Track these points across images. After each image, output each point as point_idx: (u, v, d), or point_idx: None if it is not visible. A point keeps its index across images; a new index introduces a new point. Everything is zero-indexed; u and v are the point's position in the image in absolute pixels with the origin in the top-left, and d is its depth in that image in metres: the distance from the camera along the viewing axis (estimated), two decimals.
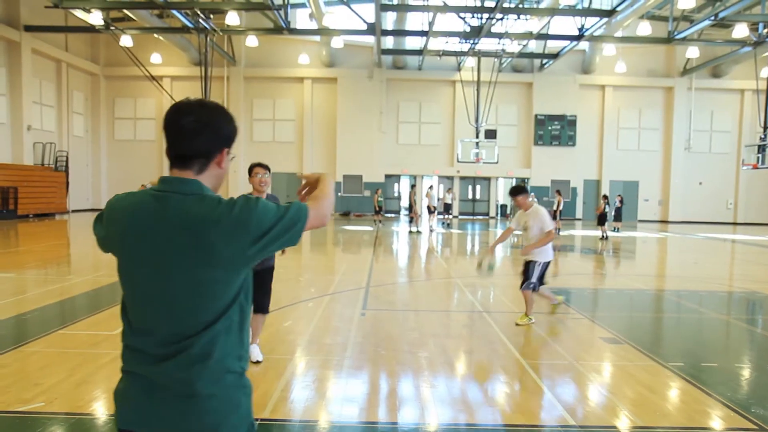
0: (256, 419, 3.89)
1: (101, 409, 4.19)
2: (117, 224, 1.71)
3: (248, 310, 1.75)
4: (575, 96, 31.27)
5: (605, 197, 21.71)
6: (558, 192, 22.95)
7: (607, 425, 4.06)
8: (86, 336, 6.21)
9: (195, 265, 1.60)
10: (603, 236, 20.16)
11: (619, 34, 24.97)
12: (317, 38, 28.59)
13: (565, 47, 27.51)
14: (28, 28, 24.84)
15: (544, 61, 30.12)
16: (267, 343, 5.84)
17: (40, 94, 26.70)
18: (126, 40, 25.58)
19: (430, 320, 7.39)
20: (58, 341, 5.99)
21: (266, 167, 5.24)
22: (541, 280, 7.00)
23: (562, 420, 4.13)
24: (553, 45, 28.80)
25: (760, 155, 22.26)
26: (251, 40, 27.20)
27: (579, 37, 24.76)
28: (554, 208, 22.23)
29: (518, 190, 6.93)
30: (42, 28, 25.07)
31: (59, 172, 27.30)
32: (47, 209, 25.86)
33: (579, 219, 31.68)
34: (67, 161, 28.00)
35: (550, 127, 31.35)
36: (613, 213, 23.12)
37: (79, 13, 23.71)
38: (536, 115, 31.31)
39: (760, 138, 22.60)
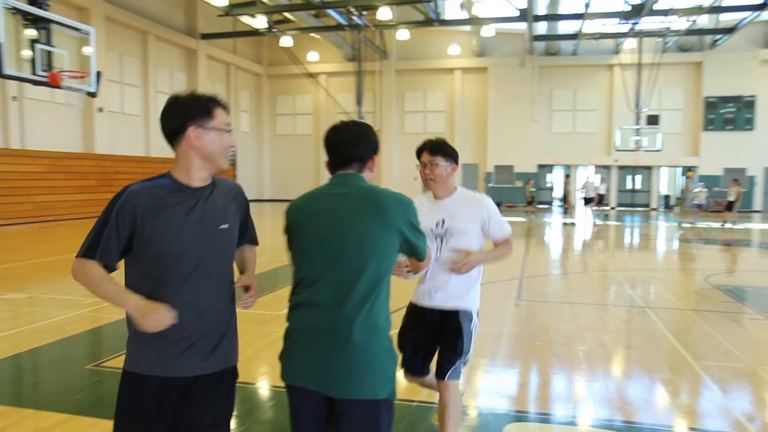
0: (413, 400, 4.02)
1: (270, 381, 4.54)
2: (299, 210, 2.18)
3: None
4: (754, 74, 28.14)
5: None
6: (735, 181, 20.87)
7: None
8: (256, 315, 6.74)
9: (366, 228, 2.02)
10: None
11: None
12: (467, 28, 28.42)
13: (743, 19, 24.76)
14: (204, 36, 27.22)
15: (717, 37, 27.42)
16: None
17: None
18: (286, 41, 27.16)
19: (587, 313, 7.11)
20: None
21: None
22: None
23: (737, 426, 3.80)
24: (727, 18, 26.10)
25: None
26: (402, 34, 27.68)
27: (762, 6, 22.20)
28: (731, 199, 20.28)
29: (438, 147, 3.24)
30: (215, 35, 27.36)
31: (229, 165, 29.70)
32: None
33: (758, 211, 28.61)
34: (235, 156, 30.38)
35: (722, 110, 28.54)
36: None
37: (245, 19, 25.61)
38: (706, 98, 28.68)
39: None
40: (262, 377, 4.68)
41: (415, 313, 3.27)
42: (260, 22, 25.30)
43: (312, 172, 32.99)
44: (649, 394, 4.43)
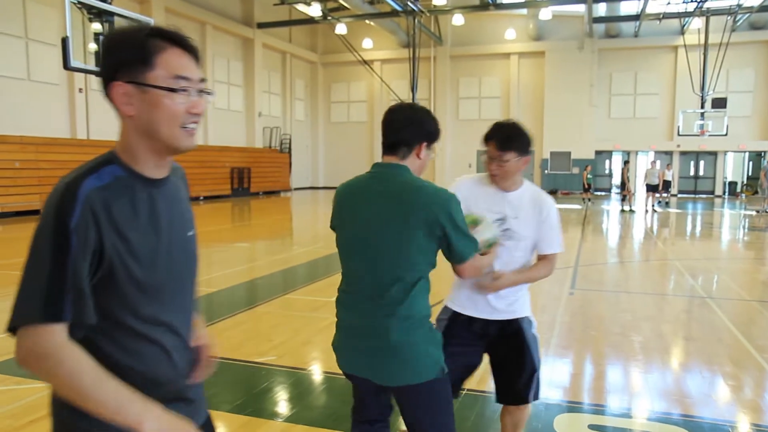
0: (464, 388, 4.01)
1: (321, 367, 4.61)
2: (342, 198, 2.17)
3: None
4: None
5: None
6: None
7: None
8: (307, 301, 6.85)
9: (402, 226, 1.97)
10: None
11: None
12: (524, 11, 27.84)
13: None
14: (260, 25, 27.62)
15: None
16: None
17: (268, 83, 29.62)
18: (341, 28, 27.24)
19: (645, 303, 6.92)
20: (283, 304, 6.69)
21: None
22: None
23: None
24: None
25: None
26: (457, 19, 27.33)
27: None
28: None
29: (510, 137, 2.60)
30: (270, 24, 27.71)
31: (284, 153, 30.13)
32: (274, 187, 28.73)
33: None
34: (290, 143, 30.78)
35: None
36: None
37: (301, 7, 25.82)
38: None
39: None
40: (313, 362, 4.75)
41: (458, 324, 2.69)
42: (315, 9, 25.48)
43: (366, 159, 33.12)
44: (708, 387, 4.28)
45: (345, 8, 26.36)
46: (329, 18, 26.33)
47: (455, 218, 1.98)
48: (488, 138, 2.58)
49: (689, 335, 5.59)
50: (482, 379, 4.03)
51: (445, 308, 2.75)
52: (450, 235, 1.98)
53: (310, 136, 34.11)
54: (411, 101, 24.45)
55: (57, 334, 1.15)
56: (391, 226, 1.98)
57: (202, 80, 1.33)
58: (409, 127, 2.08)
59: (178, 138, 1.30)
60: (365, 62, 27.79)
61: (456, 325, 2.68)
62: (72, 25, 8.64)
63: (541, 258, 2.69)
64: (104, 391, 1.16)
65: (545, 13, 26.34)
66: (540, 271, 2.67)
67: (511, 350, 2.67)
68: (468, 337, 2.66)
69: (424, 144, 2.11)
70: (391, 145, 2.09)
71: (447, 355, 2.32)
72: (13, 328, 1.17)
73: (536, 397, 2.70)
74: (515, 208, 2.59)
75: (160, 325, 1.34)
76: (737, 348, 5.12)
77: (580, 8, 26.44)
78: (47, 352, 1.15)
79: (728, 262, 10.40)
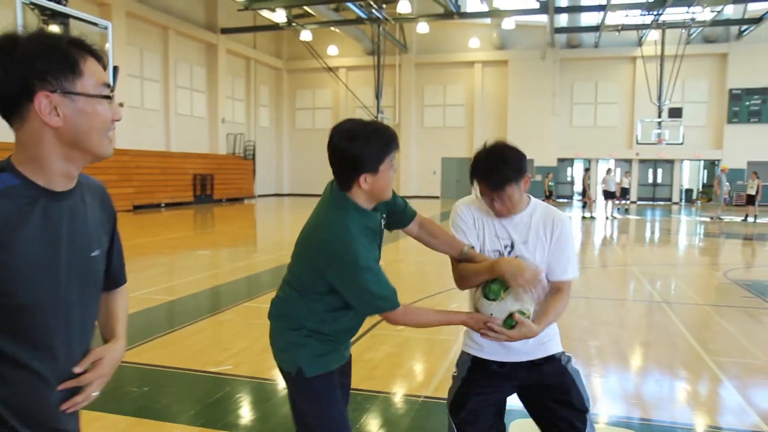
0: (420, 396, 4.00)
1: (278, 375, 4.54)
2: None
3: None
4: None
5: None
6: (755, 174, 20.40)
7: None
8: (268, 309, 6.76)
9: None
10: None
11: None
12: (488, 21, 28.19)
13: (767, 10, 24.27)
14: (224, 31, 27.35)
15: (743, 27, 26.87)
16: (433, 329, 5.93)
17: (232, 89, 29.33)
18: (306, 35, 27.17)
19: (603, 308, 7.03)
20: (245, 312, 6.60)
21: None
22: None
23: (754, 426, 3.71)
24: (754, 8, 25.51)
25: None
26: (422, 27, 27.53)
27: None
28: (751, 192, 19.84)
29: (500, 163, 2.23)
30: (235, 30, 27.47)
31: (247, 160, 29.85)
32: (237, 194, 28.43)
33: None
34: (254, 150, 30.51)
35: (747, 102, 27.97)
36: None
37: (265, 13, 25.68)
38: (731, 90, 28.13)
39: None
40: (269, 371, 4.68)
41: (480, 370, 2.32)
42: (280, 16, 25.34)
43: (330, 166, 33.03)
44: (663, 391, 4.35)
45: (310, 15, 26.33)
46: (294, 24, 26.24)
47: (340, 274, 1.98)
48: (477, 179, 2.21)
49: (645, 340, 5.68)
50: (435, 388, 4.01)
51: (462, 354, 2.40)
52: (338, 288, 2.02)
53: (275, 142, 33.86)
54: (373, 111, 24.14)
55: None
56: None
57: (112, 90, 1.32)
58: (336, 155, 2.05)
59: (105, 145, 1.29)
60: (330, 69, 27.77)
61: (477, 370, 2.33)
62: (25, 27, 8.43)
63: (554, 286, 2.28)
64: None
65: (508, 23, 26.74)
66: (560, 301, 2.26)
67: (552, 390, 2.28)
68: (494, 380, 2.32)
69: (363, 176, 1.96)
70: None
71: (472, 401, 2.27)
72: None
73: None
74: (523, 232, 2.25)
75: (39, 350, 1.26)
76: (690, 352, 5.22)
77: (543, 18, 26.89)
78: None
79: (683, 268, 10.64)
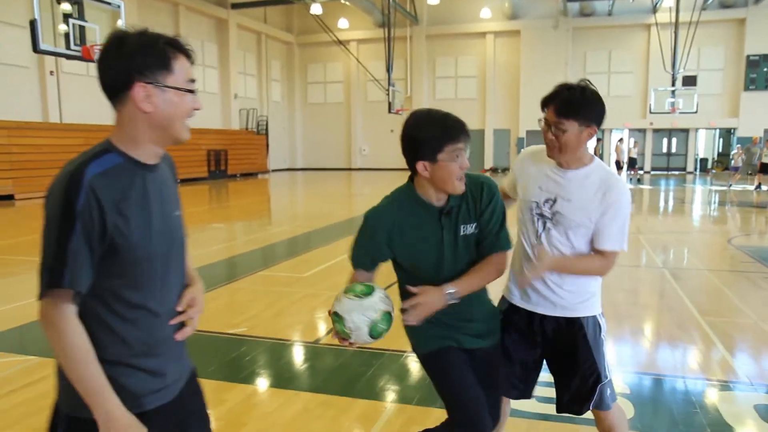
0: (385, 350, 4.27)
1: (291, 336, 4.84)
2: None
3: None
4: None
5: None
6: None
7: None
8: (282, 277, 7.07)
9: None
10: None
11: None
12: None
13: None
14: (234, 6, 27.37)
15: None
16: None
17: (244, 64, 29.45)
18: (316, 9, 27.12)
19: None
20: (260, 280, 6.90)
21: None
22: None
23: (731, 376, 3.96)
24: None
25: None
26: None
27: None
28: (765, 161, 19.68)
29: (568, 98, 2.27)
30: (245, 5, 27.48)
31: (260, 135, 30.07)
32: (251, 169, 28.71)
33: None
34: (267, 125, 30.71)
35: (766, 69, 27.55)
36: None
37: None
38: (748, 56, 27.66)
39: None
40: (283, 332, 4.98)
41: (514, 318, 2.41)
42: None
43: (343, 140, 33.20)
44: (652, 348, 4.59)
45: None
46: None
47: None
48: (547, 101, 2.24)
49: (641, 302, 5.91)
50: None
51: (503, 299, 2.49)
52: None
53: (287, 117, 34.01)
54: (384, 85, 23.87)
55: (63, 306, 1.38)
56: None
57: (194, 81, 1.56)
58: (403, 146, 2.06)
59: (184, 131, 1.53)
60: (341, 43, 27.73)
61: (511, 318, 2.41)
62: (40, 6, 8.65)
63: (596, 251, 2.25)
64: (88, 372, 1.39)
65: None
66: (593, 262, 2.25)
67: (568, 352, 2.32)
68: (524, 332, 2.39)
69: (422, 162, 2.01)
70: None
71: (502, 349, 2.35)
72: (39, 298, 1.40)
73: (605, 405, 2.31)
74: (571, 190, 2.21)
75: (153, 291, 1.53)
76: (684, 313, 5.43)
77: None
78: (52, 321, 1.39)
79: (689, 235, 10.78)
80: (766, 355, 4.43)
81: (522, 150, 2.46)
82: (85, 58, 9.36)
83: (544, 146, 2.31)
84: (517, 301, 2.39)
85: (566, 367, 2.34)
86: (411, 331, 2.22)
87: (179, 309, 1.61)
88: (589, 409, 2.31)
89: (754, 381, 3.84)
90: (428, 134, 1.97)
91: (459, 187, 2.03)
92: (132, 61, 1.42)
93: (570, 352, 2.31)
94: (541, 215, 2.26)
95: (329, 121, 33.72)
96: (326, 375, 4.02)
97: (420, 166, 1.99)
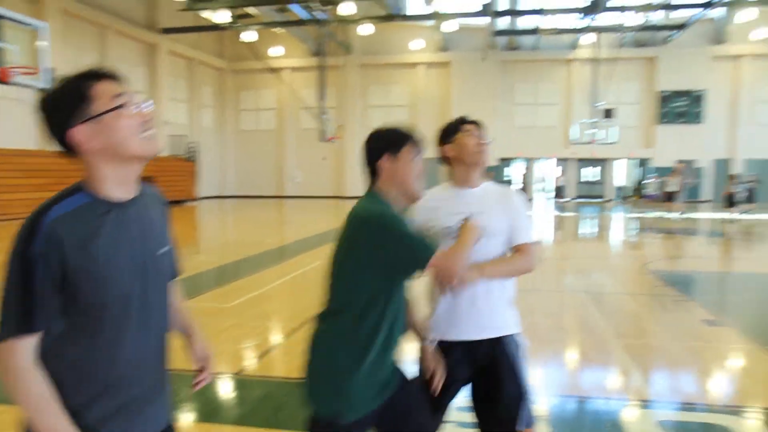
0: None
1: (216, 367, 4.74)
2: None
3: None
4: (704, 69, 29.10)
5: (733, 177, 20.22)
6: (675, 172, 21.15)
7: (691, 402, 4.05)
8: (208, 308, 6.93)
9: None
10: (730, 219, 18.86)
11: None
12: (431, 23, 28.70)
13: (692, 17, 25.59)
14: (165, 31, 26.96)
15: (669, 33, 28.29)
16: None
17: (174, 90, 28.96)
18: (249, 36, 27.08)
19: (524, 299, 7.45)
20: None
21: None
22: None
23: (641, 395, 4.16)
24: (679, 15, 26.93)
25: None
26: (365, 29, 27.82)
27: (707, 5, 23.01)
28: (672, 189, 20.67)
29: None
30: (176, 30, 27.09)
31: (190, 161, 29.51)
32: (179, 196, 28.03)
33: (708, 201, 29.59)
34: (197, 151, 30.18)
35: (675, 104, 29.44)
36: (744, 194, 21.35)
37: (207, 14, 25.45)
38: (660, 92, 29.55)
39: None
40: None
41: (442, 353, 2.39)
42: (223, 16, 25.16)
43: (276, 166, 32.99)
44: (570, 371, 4.77)
45: (253, 16, 26.24)
46: (237, 25, 26.13)
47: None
48: (463, 121, 2.58)
49: (561, 326, 6.13)
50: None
51: (423, 341, 2.42)
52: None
53: (219, 143, 33.52)
54: (317, 113, 24.11)
55: (20, 353, 1.36)
56: None
57: (137, 93, 1.51)
58: (365, 151, 2.14)
59: (143, 145, 1.48)
60: (273, 70, 27.75)
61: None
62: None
63: (516, 249, 2.41)
64: (46, 417, 1.36)
65: (450, 25, 27.29)
66: (521, 261, 2.39)
67: (495, 372, 2.36)
68: (450, 366, 2.36)
69: (383, 158, 2.10)
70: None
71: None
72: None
73: (530, 425, 2.33)
74: (480, 204, 2.40)
75: (124, 332, 1.48)
76: (601, 336, 5.68)
77: (485, 21, 27.60)
78: (8, 367, 1.36)
79: (607, 260, 11.27)
80: (671, 374, 4.67)
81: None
82: (1, 80, 8.99)
83: (433, 189, 2.49)
84: (444, 335, 2.38)
85: (491, 388, 2.35)
86: (337, 391, 2.00)
87: (194, 368, 1.69)
88: (514, 429, 2.30)
89: (660, 398, 4.05)
90: (392, 131, 2.16)
91: (419, 190, 2.13)
92: (58, 114, 1.43)
93: (494, 372, 2.35)
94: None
95: (261, 148, 33.48)
96: (252, 406, 3.97)
97: (384, 158, 2.09)
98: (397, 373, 2.15)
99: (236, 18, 25.97)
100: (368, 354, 1.98)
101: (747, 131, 29.43)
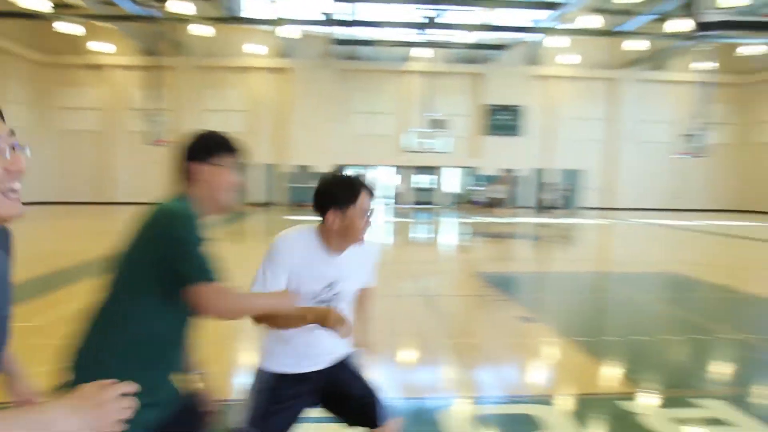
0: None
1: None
2: None
3: None
4: (523, 87, 31.99)
5: (547, 184, 22.37)
6: (500, 180, 23.09)
7: (512, 394, 4.42)
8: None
9: None
10: (547, 223, 20.81)
11: (567, 26, 25.60)
12: (271, 27, 28.44)
13: (512, 39, 28.05)
14: None
15: (494, 52, 30.68)
16: None
17: None
18: (69, 28, 24.94)
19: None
20: None
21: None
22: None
23: (465, 391, 4.47)
24: (502, 36, 29.30)
25: (691, 144, 23.54)
26: (201, 29, 26.88)
27: (522, 29, 25.34)
28: (497, 196, 22.49)
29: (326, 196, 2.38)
30: None
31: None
32: None
33: (528, 207, 32.40)
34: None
35: (499, 117, 32.07)
36: (556, 200, 23.69)
37: (25, 2, 22.97)
38: (488, 106, 31.94)
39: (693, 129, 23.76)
40: None
41: (285, 385, 2.38)
42: (43, 4, 22.73)
43: (99, 169, 30.74)
44: (402, 373, 5.00)
45: (77, 6, 24.22)
46: (58, 15, 23.94)
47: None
48: (360, 190, 2.31)
49: (393, 329, 6.40)
50: None
51: (262, 372, 2.42)
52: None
53: (38, 144, 30.40)
54: (147, 113, 22.85)
55: None
56: None
57: (12, 134, 1.19)
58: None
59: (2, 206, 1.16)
60: (100, 67, 25.87)
61: (282, 386, 2.38)
62: None
63: (364, 293, 2.62)
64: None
65: (291, 31, 27.22)
66: (373, 307, 2.68)
67: (340, 384, 2.47)
68: (300, 393, 2.41)
69: (193, 164, 2.07)
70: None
71: (280, 417, 2.31)
72: None
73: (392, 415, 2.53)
74: (346, 268, 2.38)
75: None
76: (430, 335, 6.01)
77: (325, 29, 27.93)
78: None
79: (437, 264, 11.93)
80: (492, 370, 5.07)
81: (278, 238, 2.34)
82: None
83: (298, 233, 2.36)
84: (293, 368, 2.39)
85: (342, 397, 2.46)
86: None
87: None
88: (383, 417, 2.44)
89: (483, 394, 4.39)
90: (204, 138, 2.13)
91: (231, 202, 2.12)
92: None
93: (339, 384, 2.46)
94: (321, 301, 2.32)
95: (86, 149, 30.99)
96: None
97: (202, 164, 2.03)
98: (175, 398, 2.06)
99: (57, 8, 23.80)
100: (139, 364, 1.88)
101: (562, 144, 32.78)
